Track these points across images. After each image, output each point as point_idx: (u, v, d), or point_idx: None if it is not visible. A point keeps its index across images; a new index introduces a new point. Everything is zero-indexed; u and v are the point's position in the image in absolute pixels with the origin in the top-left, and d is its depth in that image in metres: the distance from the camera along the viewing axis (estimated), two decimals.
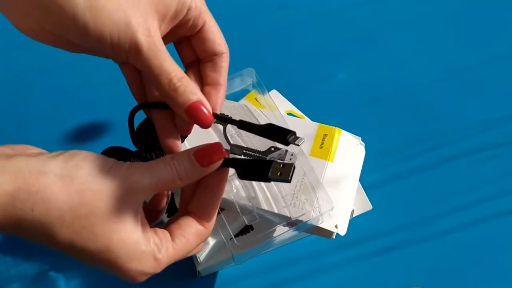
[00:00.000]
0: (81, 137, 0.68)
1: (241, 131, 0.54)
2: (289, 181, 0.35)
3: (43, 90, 0.72)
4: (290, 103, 0.66)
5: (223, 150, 0.37)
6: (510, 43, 0.76)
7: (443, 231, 0.61)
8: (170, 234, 0.38)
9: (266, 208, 0.51)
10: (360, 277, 0.59)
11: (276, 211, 0.51)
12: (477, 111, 0.70)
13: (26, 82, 0.73)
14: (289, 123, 0.55)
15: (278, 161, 0.36)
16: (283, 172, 0.35)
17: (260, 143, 0.54)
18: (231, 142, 0.54)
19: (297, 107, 0.65)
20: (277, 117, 0.54)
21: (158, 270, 0.37)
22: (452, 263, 0.60)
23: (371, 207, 0.60)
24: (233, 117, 0.49)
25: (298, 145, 0.37)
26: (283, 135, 0.36)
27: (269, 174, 0.35)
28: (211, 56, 0.40)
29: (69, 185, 0.32)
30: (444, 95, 0.71)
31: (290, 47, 0.76)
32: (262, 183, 0.53)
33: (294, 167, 0.35)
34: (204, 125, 0.36)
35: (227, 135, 0.54)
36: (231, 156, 0.39)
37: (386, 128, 0.68)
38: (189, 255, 0.40)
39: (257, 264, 0.59)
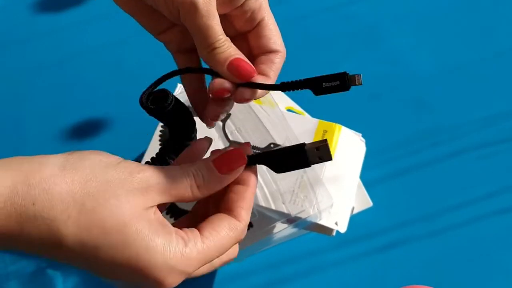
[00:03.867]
0: (78, 134, 0.68)
1: (240, 127, 0.54)
2: (331, 159, 0.35)
3: (40, 88, 0.72)
4: (289, 99, 0.65)
5: (244, 156, 0.35)
6: (511, 39, 0.75)
7: (444, 228, 0.61)
8: (199, 230, 0.33)
9: (265, 205, 0.51)
10: (360, 274, 0.58)
11: (275, 208, 0.51)
12: (479, 107, 0.69)
13: (22, 79, 0.72)
14: (289, 120, 0.54)
15: (309, 144, 0.35)
16: (321, 155, 0.34)
17: (259, 139, 0.54)
18: (231, 138, 0.54)
19: (296, 103, 0.65)
20: (276, 114, 0.54)
21: (190, 268, 0.31)
22: (452, 260, 0.59)
23: (372, 204, 0.60)
24: (233, 114, 0.49)
25: (361, 83, 0.34)
26: (339, 79, 0.35)
27: (309, 160, 0.34)
28: (266, 53, 0.39)
29: (72, 175, 0.30)
30: (445, 91, 0.71)
31: (289, 42, 0.75)
32: (261, 179, 0.52)
33: (327, 144, 0.34)
34: (247, 77, 0.35)
35: (226, 131, 0.53)
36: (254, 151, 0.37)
37: (387, 124, 0.68)
38: (225, 258, 0.35)
39: (257, 261, 0.59)
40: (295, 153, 0.35)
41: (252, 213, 0.52)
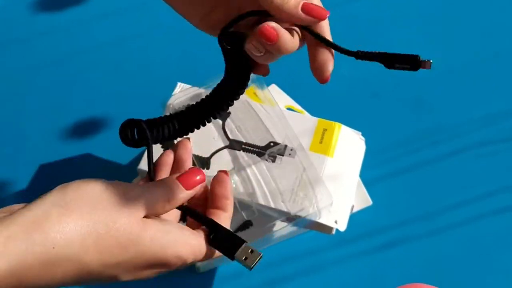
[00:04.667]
0: (78, 134, 0.68)
1: (240, 126, 0.54)
2: (249, 269, 0.36)
3: (40, 88, 0.72)
4: (289, 97, 0.65)
5: (203, 173, 0.38)
6: (510, 39, 0.75)
7: (444, 226, 0.61)
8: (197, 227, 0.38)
9: (264, 204, 0.51)
10: (360, 273, 0.58)
11: (274, 206, 0.51)
12: (478, 107, 0.69)
13: (22, 79, 0.72)
14: (289, 118, 0.54)
15: (249, 245, 0.36)
16: (248, 257, 0.36)
17: (259, 138, 0.54)
18: (230, 137, 0.54)
19: (296, 102, 0.65)
20: (276, 112, 0.54)
21: (198, 254, 0.37)
22: (451, 259, 0.59)
23: (371, 203, 0.60)
24: (233, 113, 0.48)
25: (430, 68, 0.37)
26: (411, 62, 0.37)
27: (236, 253, 0.36)
28: None
29: (77, 211, 0.32)
30: (444, 90, 0.71)
31: None
32: (260, 178, 0.52)
33: (261, 258, 0.36)
34: (323, 17, 0.36)
35: (226, 130, 0.53)
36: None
37: (387, 123, 0.68)
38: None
39: None
40: (233, 240, 0.37)
41: (252, 211, 0.52)
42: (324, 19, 0.36)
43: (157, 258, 0.35)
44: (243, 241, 0.36)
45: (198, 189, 0.38)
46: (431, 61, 0.37)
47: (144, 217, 0.35)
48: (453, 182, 0.64)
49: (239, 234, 0.55)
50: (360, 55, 0.39)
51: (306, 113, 0.63)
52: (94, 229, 0.32)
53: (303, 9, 0.35)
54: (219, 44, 0.38)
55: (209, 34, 0.41)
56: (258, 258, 0.36)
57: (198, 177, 0.38)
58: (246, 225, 0.55)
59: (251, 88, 0.60)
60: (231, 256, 0.36)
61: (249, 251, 0.36)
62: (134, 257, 0.34)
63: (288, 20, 0.36)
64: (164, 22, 0.74)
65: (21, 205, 0.34)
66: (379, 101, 0.69)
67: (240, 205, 0.52)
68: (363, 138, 0.58)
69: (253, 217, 0.52)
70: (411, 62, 0.37)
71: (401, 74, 0.75)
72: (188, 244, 0.36)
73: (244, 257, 0.36)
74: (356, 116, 0.66)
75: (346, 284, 0.58)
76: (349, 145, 0.56)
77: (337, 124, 0.56)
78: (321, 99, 0.68)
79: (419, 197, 0.63)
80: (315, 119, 0.57)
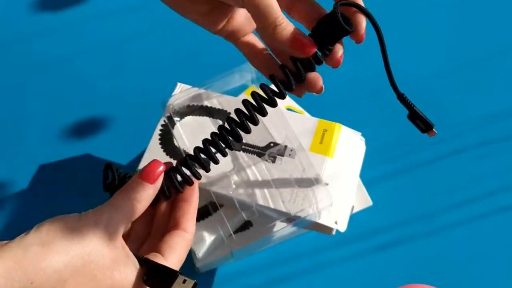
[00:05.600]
0: (78, 134, 0.68)
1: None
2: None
3: (40, 87, 0.72)
4: (289, 97, 0.65)
5: (161, 162, 0.40)
6: (510, 39, 0.75)
7: (444, 226, 0.61)
8: (159, 252, 0.39)
9: (264, 204, 0.51)
10: (360, 273, 0.58)
11: (274, 207, 0.51)
12: (479, 106, 0.69)
13: (22, 79, 0.72)
14: (289, 119, 0.54)
15: (183, 276, 0.37)
16: None
17: (259, 139, 0.54)
18: None
19: (296, 102, 0.65)
20: (276, 113, 0.54)
21: None
22: (452, 259, 0.59)
23: (371, 203, 0.60)
24: (233, 113, 0.48)
25: (432, 135, 0.44)
26: (426, 125, 0.44)
27: (171, 287, 0.37)
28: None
29: (53, 249, 0.34)
30: (445, 90, 0.71)
31: None
32: (260, 179, 0.52)
33: (195, 286, 0.37)
34: (308, 53, 0.38)
35: None
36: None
37: (387, 123, 0.68)
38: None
39: (256, 261, 0.59)
40: (167, 273, 0.38)
41: (252, 212, 0.52)
42: (308, 56, 0.38)
43: None
44: (176, 273, 0.37)
45: (160, 181, 0.39)
46: (436, 133, 0.43)
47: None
48: (453, 182, 0.64)
49: (239, 234, 0.55)
50: (401, 98, 0.46)
51: (306, 113, 0.63)
52: (70, 263, 0.34)
53: (292, 44, 0.37)
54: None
55: (229, 40, 0.42)
56: (191, 286, 0.37)
57: (160, 169, 0.39)
58: (246, 225, 0.55)
59: (251, 88, 0.60)
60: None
61: (184, 282, 0.37)
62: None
63: (277, 47, 0.39)
64: (164, 22, 0.74)
65: (3, 242, 0.36)
66: (379, 102, 0.69)
67: (240, 205, 0.51)
68: (363, 138, 0.58)
69: (253, 217, 0.52)
70: (426, 126, 0.44)
71: (401, 74, 0.75)
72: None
73: None
74: (356, 117, 0.66)
75: (346, 284, 0.58)
76: (349, 146, 0.56)
77: (337, 124, 0.56)
78: (321, 100, 0.68)
79: (419, 197, 0.63)
80: (315, 120, 0.57)
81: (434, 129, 0.43)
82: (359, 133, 0.58)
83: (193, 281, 0.37)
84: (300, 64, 0.39)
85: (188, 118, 0.56)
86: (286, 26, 0.37)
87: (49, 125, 0.68)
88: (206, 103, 0.57)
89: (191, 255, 0.56)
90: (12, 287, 0.32)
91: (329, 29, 0.39)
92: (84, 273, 0.35)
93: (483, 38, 0.75)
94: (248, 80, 0.57)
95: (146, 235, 0.42)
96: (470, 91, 0.70)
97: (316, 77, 0.40)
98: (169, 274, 0.37)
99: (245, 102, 0.40)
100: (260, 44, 0.42)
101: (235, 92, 0.59)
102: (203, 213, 0.55)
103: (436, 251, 0.60)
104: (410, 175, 0.64)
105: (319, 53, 0.39)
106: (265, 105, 0.40)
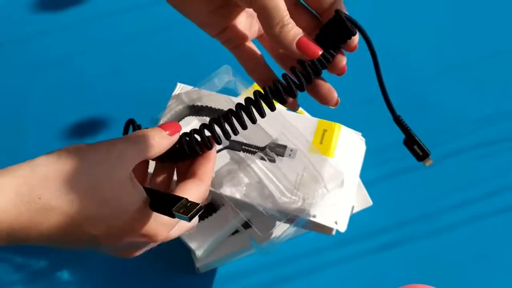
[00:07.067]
0: (78, 134, 0.68)
1: None
2: (188, 221, 0.36)
3: (40, 87, 0.72)
4: None
5: (177, 123, 0.40)
6: (510, 39, 0.75)
7: (444, 227, 0.61)
8: None
9: (264, 204, 0.51)
10: (360, 273, 0.58)
11: (274, 207, 0.51)
12: (478, 107, 0.69)
13: (22, 79, 0.72)
14: (289, 119, 0.54)
15: (189, 199, 0.37)
16: (186, 210, 0.36)
17: (259, 139, 0.54)
18: None
19: None
20: (276, 113, 0.54)
21: (169, 226, 0.38)
22: (452, 259, 0.59)
23: (371, 203, 0.60)
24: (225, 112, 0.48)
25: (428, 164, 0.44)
26: (423, 154, 0.44)
27: (174, 208, 0.36)
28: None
29: (62, 167, 0.34)
30: (445, 91, 0.71)
31: None
32: (260, 179, 0.52)
33: (200, 209, 0.36)
34: (314, 54, 0.39)
35: None
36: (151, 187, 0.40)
37: (387, 123, 0.67)
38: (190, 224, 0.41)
39: (256, 261, 0.59)
40: (172, 199, 0.37)
41: (252, 212, 0.52)
42: (315, 58, 0.39)
43: (140, 223, 0.36)
44: (181, 198, 0.37)
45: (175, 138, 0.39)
46: (432, 162, 0.43)
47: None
48: (453, 183, 0.64)
49: (239, 234, 0.55)
50: (398, 120, 0.46)
51: (306, 113, 0.63)
52: (77, 183, 0.34)
53: (298, 45, 0.38)
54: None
55: (226, 46, 0.42)
56: (196, 208, 0.36)
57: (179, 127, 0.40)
58: (245, 225, 0.55)
59: (251, 88, 0.60)
60: (171, 214, 0.36)
61: (188, 204, 0.36)
62: (115, 213, 0.35)
63: (282, 49, 0.39)
64: (164, 22, 0.74)
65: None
66: (379, 102, 0.69)
67: (240, 205, 0.51)
68: (363, 138, 0.58)
69: (253, 217, 0.52)
70: (423, 153, 0.44)
71: (401, 74, 0.75)
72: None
73: (182, 210, 0.36)
74: (356, 117, 0.66)
75: (346, 284, 0.58)
76: (349, 146, 0.56)
77: (337, 124, 0.56)
78: None
79: (419, 198, 0.63)
80: (315, 120, 0.57)
81: (430, 158, 0.43)
82: (359, 133, 0.58)
83: (199, 204, 0.36)
84: (308, 66, 0.39)
85: (188, 119, 0.56)
86: (293, 26, 0.38)
87: (49, 125, 0.68)
88: (207, 103, 0.57)
89: (191, 255, 0.56)
90: (22, 201, 0.33)
91: (334, 32, 0.39)
92: (91, 193, 0.35)
93: (483, 38, 0.75)
94: (227, 82, 0.57)
95: None
96: (470, 91, 0.70)
97: (330, 90, 0.42)
98: (175, 199, 0.37)
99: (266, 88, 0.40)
100: (258, 53, 0.42)
101: (235, 92, 0.59)
102: (203, 213, 0.55)
103: (436, 251, 0.60)
104: (410, 175, 0.64)
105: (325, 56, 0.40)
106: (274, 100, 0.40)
